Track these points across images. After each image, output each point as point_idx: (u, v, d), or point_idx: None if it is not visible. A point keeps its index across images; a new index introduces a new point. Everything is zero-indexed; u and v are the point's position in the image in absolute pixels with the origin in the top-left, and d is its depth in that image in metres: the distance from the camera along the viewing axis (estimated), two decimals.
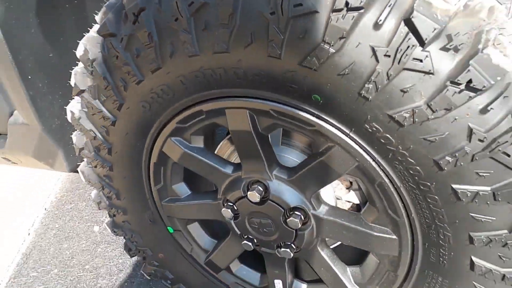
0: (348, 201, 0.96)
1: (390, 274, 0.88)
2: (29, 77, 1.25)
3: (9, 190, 2.53)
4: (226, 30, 0.67)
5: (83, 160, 1.18)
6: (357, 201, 0.94)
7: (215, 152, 1.09)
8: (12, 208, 2.38)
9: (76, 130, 1.10)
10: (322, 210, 0.90)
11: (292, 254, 0.96)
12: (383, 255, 0.87)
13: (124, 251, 1.86)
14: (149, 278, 1.39)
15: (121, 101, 0.90)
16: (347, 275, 0.98)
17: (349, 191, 0.94)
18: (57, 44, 1.28)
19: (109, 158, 1.07)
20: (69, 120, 1.06)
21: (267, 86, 0.73)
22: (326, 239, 0.99)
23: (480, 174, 0.60)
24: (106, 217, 1.34)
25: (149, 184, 1.11)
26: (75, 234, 2.02)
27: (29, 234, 2.09)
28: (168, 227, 1.21)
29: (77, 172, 2.53)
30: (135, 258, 1.77)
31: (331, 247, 1.04)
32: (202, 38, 0.71)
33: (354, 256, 1.01)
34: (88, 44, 0.86)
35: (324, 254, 0.99)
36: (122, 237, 1.35)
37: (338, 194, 0.95)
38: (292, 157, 0.97)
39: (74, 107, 1.02)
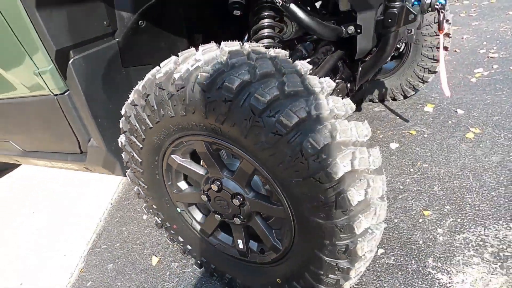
0: (269, 190, 1.53)
1: (288, 231, 1.34)
2: (99, 120, 1.77)
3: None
4: (183, 105, 1.22)
5: (129, 168, 1.74)
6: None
7: (201, 163, 1.65)
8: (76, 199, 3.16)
9: (123, 151, 1.62)
10: (251, 195, 1.37)
11: (240, 222, 1.47)
12: (283, 219, 1.35)
13: (161, 231, 2.59)
14: (170, 242, 2.01)
15: (143, 137, 1.41)
16: (272, 234, 1.46)
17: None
18: (114, 99, 1.79)
19: (141, 167, 1.57)
20: (120, 146, 1.57)
21: (207, 130, 1.24)
22: (260, 212, 1.48)
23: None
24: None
25: (164, 181, 1.59)
26: (131, 220, 2.70)
27: (100, 220, 2.81)
28: (177, 208, 1.67)
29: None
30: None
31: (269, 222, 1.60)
32: (175, 109, 1.26)
33: (278, 224, 1.54)
34: (127, 108, 1.43)
35: (260, 222, 1.48)
36: (154, 216, 1.89)
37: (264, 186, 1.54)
38: (236, 164, 1.50)
39: (122, 138, 1.51)
